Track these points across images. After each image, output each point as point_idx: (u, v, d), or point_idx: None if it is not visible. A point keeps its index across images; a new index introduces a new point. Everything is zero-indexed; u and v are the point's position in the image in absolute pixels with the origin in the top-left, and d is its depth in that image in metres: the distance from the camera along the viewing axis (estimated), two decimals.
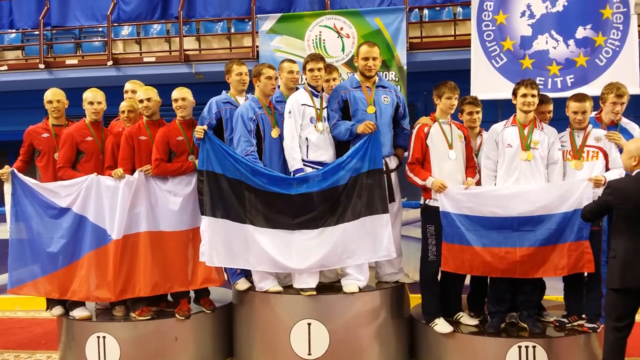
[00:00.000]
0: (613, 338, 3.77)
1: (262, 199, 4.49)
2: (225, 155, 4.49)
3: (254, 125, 4.61)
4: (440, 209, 4.43)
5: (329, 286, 4.70)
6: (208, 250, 4.49)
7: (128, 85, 5.24)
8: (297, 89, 4.86)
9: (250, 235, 4.50)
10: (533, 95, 4.37)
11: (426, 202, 4.60)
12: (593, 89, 6.16)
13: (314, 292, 4.51)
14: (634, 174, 3.82)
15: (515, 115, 4.51)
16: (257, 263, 4.51)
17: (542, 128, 4.46)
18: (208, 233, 4.49)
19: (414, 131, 4.62)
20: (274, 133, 4.65)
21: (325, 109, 4.70)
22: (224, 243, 4.51)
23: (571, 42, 7.00)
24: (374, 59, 4.61)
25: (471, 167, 4.61)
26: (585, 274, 4.38)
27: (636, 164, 3.81)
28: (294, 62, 4.84)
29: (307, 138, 4.62)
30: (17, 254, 4.72)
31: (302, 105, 4.62)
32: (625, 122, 4.67)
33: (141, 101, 4.76)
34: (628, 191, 3.76)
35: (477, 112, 4.73)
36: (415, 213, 4.81)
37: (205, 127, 4.54)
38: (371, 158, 4.47)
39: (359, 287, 4.52)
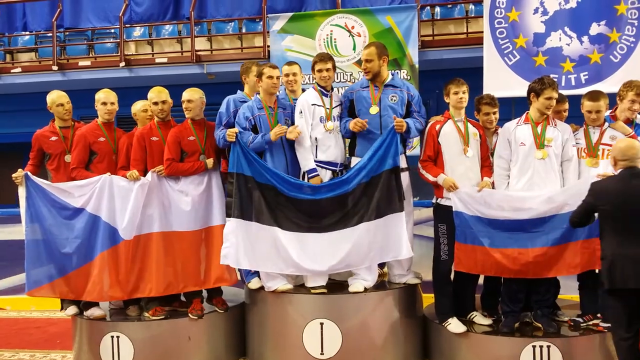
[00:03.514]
0: (624, 346, 3.72)
1: (288, 203, 4.52)
2: (252, 159, 4.51)
3: (250, 125, 4.62)
4: (454, 209, 4.41)
5: (340, 285, 4.69)
6: (234, 252, 4.51)
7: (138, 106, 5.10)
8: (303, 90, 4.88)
9: (277, 238, 4.51)
10: (555, 98, 4.33)
11: (438, 200, 4.57)
12: (607, 85, 6.09)
13: (324, 290, 4.52)
14: (616, 172, 3.82)
15: (527, 113, 4.46)
16: (285, 266, 4.52)
17: (555, 125, 4.41)
18: (234, 235, 4.51)
19: (427, 129, 4.60)
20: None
21: (336, 108, 4.70)
22: (252, 245, 4.53)
23: (585, 38, 6.91)
24: (366, 61, 4.58)
25: (487, 166, 4.56)
26: (597, 272, 4.34)
27: (614, 164, 3.83)
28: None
29: (316, 138, 4.62)
30: (33, 256, 4.76)
31: (312, 105, 4.62)
32: None
33: (155, 104, 4.78)
34: (609, 191, 3.76)
35: (494, 113, 4.67)
36: (428, 212, 4.79)
37: (237, 129, 4.55)
38: (391, 156, 4.46)
39: (365, 287, 4.52)
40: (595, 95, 4.42)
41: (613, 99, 4.61)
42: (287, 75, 4.89)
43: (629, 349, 3.71)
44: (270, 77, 4.64)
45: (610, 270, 3.68)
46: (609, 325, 4.25)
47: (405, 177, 4.66)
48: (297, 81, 4.93)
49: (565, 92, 4.96)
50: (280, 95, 4.90)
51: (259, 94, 4.76)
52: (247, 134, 4.59)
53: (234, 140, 4.50)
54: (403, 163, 4.68)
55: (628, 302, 3.69)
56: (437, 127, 4.55)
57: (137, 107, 5.08)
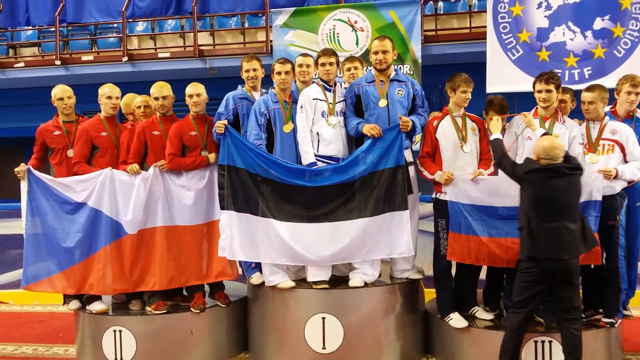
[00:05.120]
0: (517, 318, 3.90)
1: (281, 192, 4.51)
2: (245, 150, 4.52)
3: (265, 120, 4.63)
4: (448, 199, 4.41)
5: (342, 280, 4.69)
6: (229, 244, 4.53)
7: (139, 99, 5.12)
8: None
9: (271, 229, 4.51)
10: (548, 91, 4.30)
11: (437, 195, 4.57)
12: (611, 81, 6.03)
13: (327, 285, 4.52)
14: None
15: (536, 108, 4.45)
16: (277, 256, 4.52)
17: (563, 121, 4.41)
18: (229, 227, 4.53)
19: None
20: (286, 128, 4.64)
21: (339, 104, 4.69)
22: (246, 237, 4.54)
23: (589, 33, 6.88)
24: (383, 52, 4.58)
25: (485, 159, 4.54)
26: (592, 267, 4.32)
27: (536, 159, 3.85)
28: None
29: (318, 132, 4.61)
30: (32, 250, 4.77)
31: (313, 99, 4.60)
32: None
33: (157, 99, 4.79)
34: (539, 175, 3.81)
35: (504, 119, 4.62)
36: (430, 207, 4.78)
37: (225, 121, 4.57)
38: (394, 155, 4.46)
39: (365, 282, 4.52)
40: (589, 87, 4.44)
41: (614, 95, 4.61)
42: (300, 66, 4.83)
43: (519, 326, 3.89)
44: (279, 72, 4.65)
45: (532, 239, 3.78)
46: (611, 320, 4.26)
47: (411, 171, 4.66)
48: (309, 73, 4.85)
49: None
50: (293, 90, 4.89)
51: (274, 87, 4.77)
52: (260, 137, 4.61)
53: (223, 132, 4.51)
54: (409, 157, 4.69)
55: (539, 275, 3.79)
56: (435, 123, 4.55)
57: (136, 102, 5.09)
